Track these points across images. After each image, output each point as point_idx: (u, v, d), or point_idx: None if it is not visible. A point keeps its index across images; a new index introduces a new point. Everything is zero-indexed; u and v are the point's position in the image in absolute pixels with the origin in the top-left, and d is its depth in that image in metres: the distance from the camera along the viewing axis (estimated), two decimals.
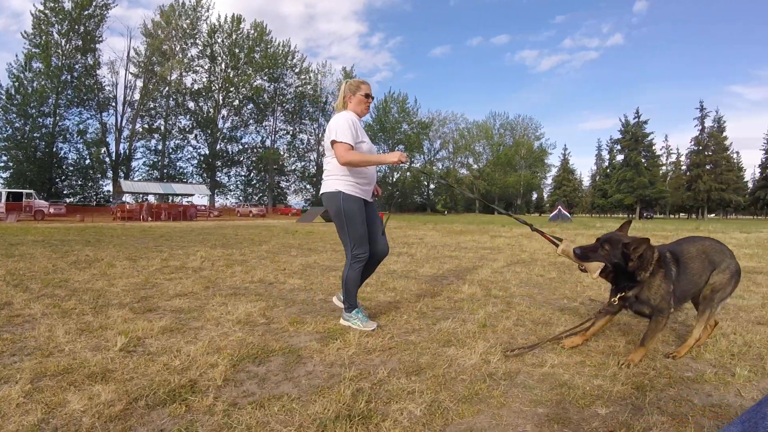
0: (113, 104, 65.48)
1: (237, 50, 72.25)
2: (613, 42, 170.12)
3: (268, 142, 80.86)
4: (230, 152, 78.05)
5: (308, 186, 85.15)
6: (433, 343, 3.68)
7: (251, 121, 78.75)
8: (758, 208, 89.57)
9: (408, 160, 3.95)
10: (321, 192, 4.15)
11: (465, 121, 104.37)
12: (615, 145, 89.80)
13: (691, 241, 3.72)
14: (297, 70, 79.85)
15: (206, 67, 72.24)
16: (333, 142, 3.88)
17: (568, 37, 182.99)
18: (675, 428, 2.41)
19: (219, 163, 76.00)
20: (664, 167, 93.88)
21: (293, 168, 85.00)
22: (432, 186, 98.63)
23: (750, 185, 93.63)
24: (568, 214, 41.27)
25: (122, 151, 66.11)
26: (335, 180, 4.01)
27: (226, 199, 79.43)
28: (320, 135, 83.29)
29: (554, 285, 6.52)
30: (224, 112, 75.29)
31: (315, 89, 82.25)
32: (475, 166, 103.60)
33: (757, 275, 7.74)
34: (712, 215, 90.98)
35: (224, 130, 76.11)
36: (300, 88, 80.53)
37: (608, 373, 3.13)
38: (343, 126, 3.87)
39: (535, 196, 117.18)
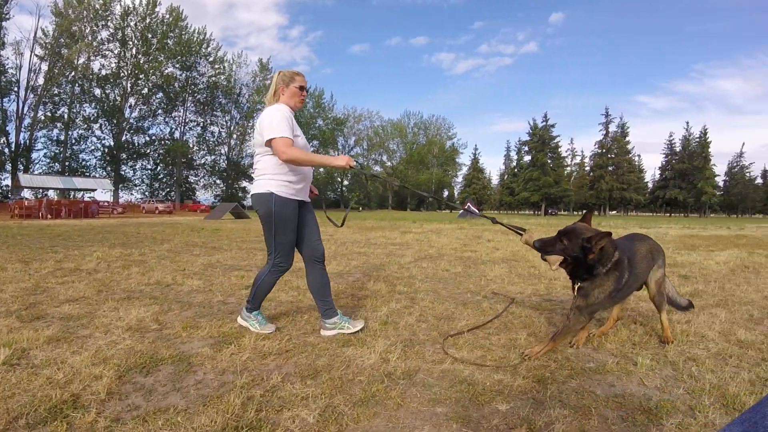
0: (15, 89, 60.42)
1: (150, 35, 68.23)
2: (527, 50, 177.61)
3: (177, 134, 77.17)
4: (136, 144, 73.89)
5: (218, 181, 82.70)
6: (332, 343, 3.60)
7: (160, 111, 74.82)
8: (657, 206, 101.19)
9: (356, 166, 3.79)
10: (251, 193, 3.82)
11: (380, 119, 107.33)
12: (523, 147, 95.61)
13: (640, 240, 3.82)
14: (211, 59, 76.75)
15: (116, 52, 67.82)
16: (271, 139, 3.52)
17: (485, 43, 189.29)
18: (578, 421, 2.44)
19: (124, 156, 71.93)
20: (568, 168, 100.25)
21: (203, 162, 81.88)
22: (346, 182, 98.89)
23: (650, 185, 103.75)
24: (477, 211, 42.26)
25: (22, 142, 61.30)
26: (267, 180, 3.67)
27: (131, 194, 75.44)
28: (232, 128, 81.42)
29: (459, 279, 6.63)
30: (132, 100, 71.19)
31: (229, 80, 79.52)
32: (389, 164, 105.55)
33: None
34: (614, 212, 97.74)
35: (131, 120, 71.94)
36: (213, 78, 77.40)
37: (509, 368, 3.16)
38: (278, 119, 3.54)
39: (446, 193, 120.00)
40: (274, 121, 3.54)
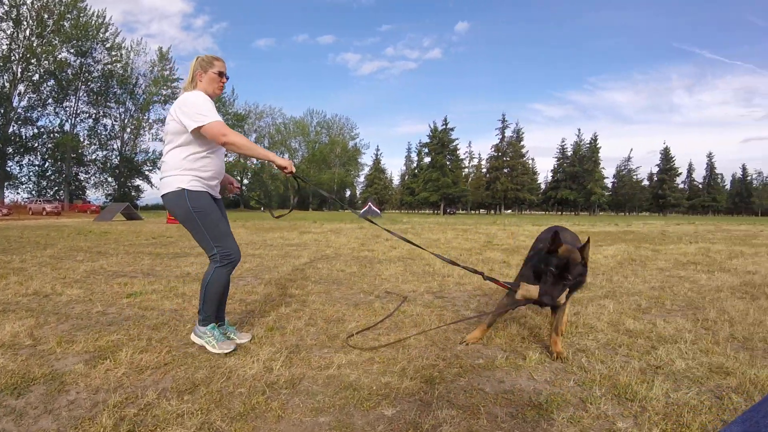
0: None
1: (46, 15, 60.89)
2: (432, 55, 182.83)
3: (67, 127, 69.77)
4: (24, 137, 66.21)
5: (110, 179, 75.73)
6: (214, 354, 3.34)
7: (50, 100, 67.21)
8: (549, 205, 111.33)
9: (294, 173, 3.53)
10: (161, 193, 3.40)
11: (282, 116, 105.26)
12: (423, 149, 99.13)
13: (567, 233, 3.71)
14: (108, 45, 69.76)
15: (9, 33, 60.08)
16: (202, 126, 3.18)
17: (391, 46, 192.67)
18: (466, 421, 2.37)
19: (11, 150, 64.43)
20: (466, 169, 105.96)
21: (94, 158, 74.40)
22: (246, 181, 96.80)
23: (543, 186, 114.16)
24: (378, 211, 42.68)
25: None
26: (177, 176, 3.31)
27: (18, 193, 67.28)
28: (126, 120, 75.40)
29: (353, 280, 6.49)
30: (21, 87, 63.70)
31: (125, 69, 72.98)
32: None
33: None
34: (509, 211, 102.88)
35: (19, 110, 64.57)
36: (109, 66, 70.54)
37: (397, 369, 3.06)
38: (203, 102, 3.23)
39: (348, 193, 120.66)
40: (201, 105, 3.22)
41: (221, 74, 3.51)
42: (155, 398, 2.58)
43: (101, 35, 68.16)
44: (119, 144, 75.79)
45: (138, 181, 78.16)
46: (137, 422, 2.32)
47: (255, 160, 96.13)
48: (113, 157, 75.81)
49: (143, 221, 27.65)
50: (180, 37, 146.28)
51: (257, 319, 4.29)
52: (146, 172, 77.41)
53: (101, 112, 73.02)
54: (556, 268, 3.07)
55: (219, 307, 3.57)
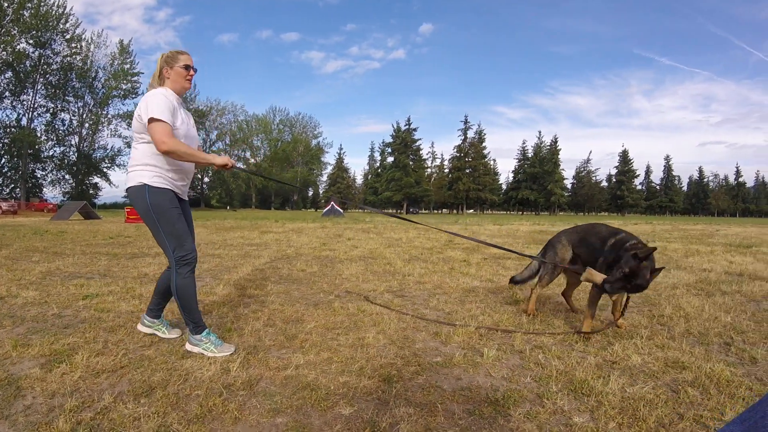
0: None
1: (6, 4, 57.55)
2: (395, 56, 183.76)
3: (24, 121, 66.33)
4: None
5: (67, 176, 72.16)
6: (171, 356, 3.27)
7: (7, 93, 63.80)
8: (511, 205, 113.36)
9: (235, 166, 3.50)
10: (126, 187, 3.37)
11: (245, 113, 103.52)
12: (387, 148, 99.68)
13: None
14: (68, 37, 66.31)
15: None
16: (151, 120, 3.11)
17: (356, 45, 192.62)
18: (423, 419, 2.37)
19: None
20: (429, 169, 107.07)
21: (51, 154, 70.97)
22: (206, 180, 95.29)
23: (504, 187, 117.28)
24: (341, 210, 42.52)
25: None
26: (140, 171, 3.26)
27: None
28: (84, 115, 72.44)
29: (314, 279, 6.44)
30: None
31: (85, 61, 69.65)
32: (253, 161, 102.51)
33: (507, 260, 8.85)
34: (471, 211, 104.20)
35: None
36: (68, 58, 67.33)
37: (355, 368, 3.05)
38: (159, 103, 3.15)
39: (311, 192, 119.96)
40: (154, 104, 3.15)
41: (188, 67, 3.44)
42: (112, 402, 2.53)
43: (61, 26, 64.93)
44: (77, 140, 72.67)
45: (96, 179, 75.01)
46: (94, 426, 2.28)
47: None
48: (71, 153, 72.66)
49: (101, 220, 26.93)
50: (142, 30, 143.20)
51: (215, 321, 4.21)
52: (104, 170, 74.29)
53: (59, 107, 69.81)
54: (630, 272, 3.40)
55: (159, 302, 3.64)
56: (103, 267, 7.41)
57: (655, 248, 3.49)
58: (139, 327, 3.75)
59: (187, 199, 3.64)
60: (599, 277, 3.56)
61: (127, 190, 3.35)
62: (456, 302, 5.10)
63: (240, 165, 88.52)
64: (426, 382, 2.84)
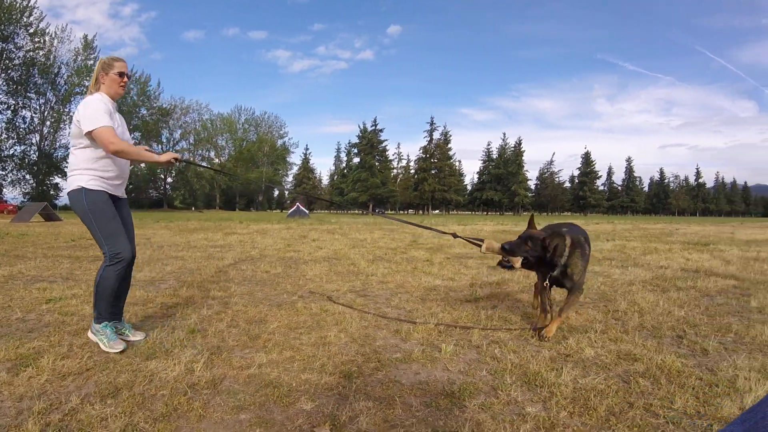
0: None
1: None
2: (363, 56, 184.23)
3: None
4: None
5: (27, 176, 69.14)
6: (136, 357, 3.28)
7: None
8: (475, 205, 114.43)
9: (181, 161, 3.64)
10: (65, 191, 3.57)
11: (209, 112, 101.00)
12: (353, 149, 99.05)
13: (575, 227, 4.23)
14: (32, 31, 63.65)
15: None
16: (93, 130, 3.27)
17: (323, 45, 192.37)
18: (382, 411, 2.46)
19: None
20: (395, 170, 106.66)
21: (11, 153, 67.79)
22: (170, 180, 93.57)
23: (469, 187, 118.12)
24: (306, 211, 42.38)
25: None
26: (78, 175, 3.43)
27: None
28: (46, 113, 69.66)
29: (277, 280, 6.46)
30: None
31: (48, 57, 67.02)
32: (217, 161, 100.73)
33: (469, 260, 9.08)
34: (436, 211, 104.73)
35: None
36: (31, 53, 64.61)
37: (317, 366, 3.11)
38: (98, 109, 3.31)
39: (276, 192, 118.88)
40: (94, 111, 3.31)
41: (122, 74, 3.61)
42: (79, 403, 2.55)
43: (25, 19, 62.37)
44: (38, 138, 69.92)
45: (57, 179, 71.97)
46: (62, 427, 2.30)
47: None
48: (31, 152, 69.86)
49: (62, 222, 26.13)
50: (107, 25, 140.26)
51: (179, 322, 4.21)
52: (65, 170, 71.58)
53: (20, 103, 66.94)
54: (522, 238, 3.88)
55: (115, 304, 3.66)
56: (65, 270, 7.30)
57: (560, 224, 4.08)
58: (90, 336, 3.73)
59: (125, 197, 3.83)
60: (497, 245, 3.94)
61: (68, 194, 3.52)
62: (417, 301, 5.21)
63: (186, 156, 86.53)
64: (385, 377, 2.92)
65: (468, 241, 4.44)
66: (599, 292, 5.70)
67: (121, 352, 3.39)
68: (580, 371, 3.01)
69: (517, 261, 3.84)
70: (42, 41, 65.50)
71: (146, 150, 3.56)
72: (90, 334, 3.60)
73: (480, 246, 4.03)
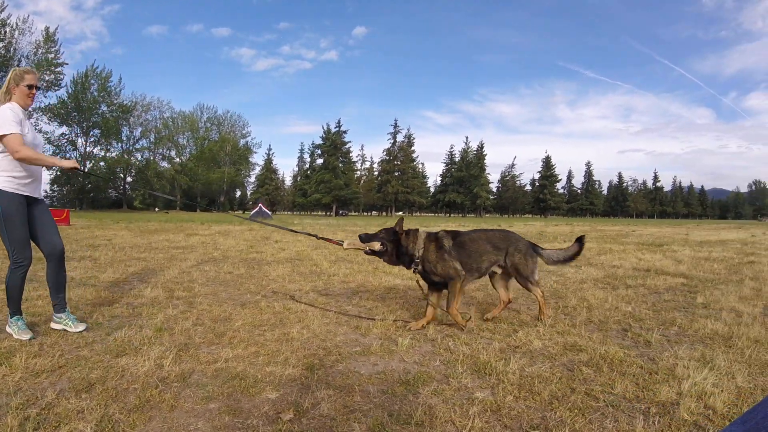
0: None
1: None
2: (327, 57, 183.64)
3: None
4: None
5: None
6: (106, 354, 3.38)
7: None
8: (438, 207, 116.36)
9: (82, 171, 3.99)
10: None
11: (171, 109, 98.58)
12: (316, 150, 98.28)
13: (482, 231, 4.57)
14: None
15: None
16: (2, 137, 3.57)
17: (288, 45, 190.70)
18: (342, 398, 2.64)
19: None
20: (358, 172, 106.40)
21: None
22: (129, 179, 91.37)
23: (432, 189, 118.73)
24: (269, 212, 42.17)
25: None
26: None
27: None
28: None
29: (241, 281, 6.56)
30: None
31: (8, 48, 64.90)
32: (178, 160, 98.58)
33: None
34: (399, 213, 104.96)
35: None
36: None
37: (281, 359, 3.27)
38: (8, 117, 3.58)
39: (238, 193, 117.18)
40: (3, 119, 3.57)
41: (30, 87, 3.86)
42: (55, 398, 2.63)
43: None
44: None
45: None
46: (41, 420, 2.38)
47: (139, 156, 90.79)
48: None
49: None
50: (68, 18, 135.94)
51: (145, 321, 4.30)
52: None
53: None
54: (380, 230, 4.41)
55: (56, 296, 4.02)
56: (29, 271, 7.23)
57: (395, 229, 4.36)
58: (52, 325, 4.04)
59: (41, 197, 4.05)
60: (356, 240, 4.45)
61: None
62: (377, 299, 5.41)
63: (146, 154, 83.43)
64: (345, 369, 3.11)
65: (329, 241, 4.95)
66: (552, 289, 5.97)
67: (30, 339, 3.68)
68: (527, 360, 3.24)
69: (376, 245, 4.28)
70: (2, 32, 63.44)
71: (50, 157, 3.88)
72: (8, 328, 3.85)
73: (341, 244, 4.50)
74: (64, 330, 3.92)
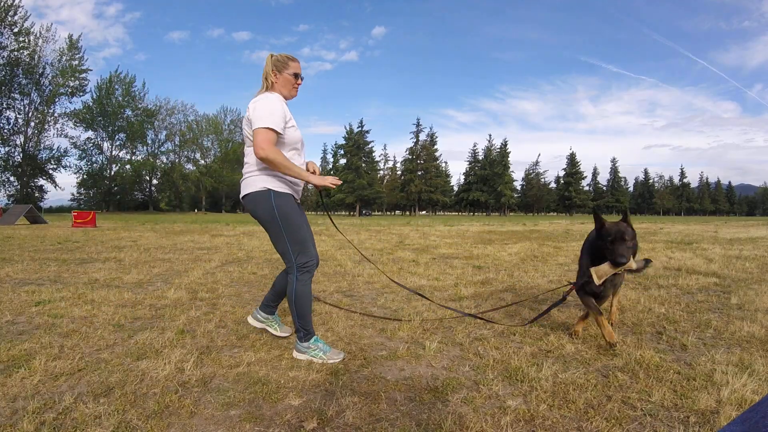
0: None
1: None
2: (348, 58, 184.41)
3: None
4: None
5: (12, 178, 67.83)
6: (127, 357, 3.32)
7: None
8: (462, 206, 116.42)
9: (339, 184, 3.33)
10: (243, 194, 3.29)
11: (195, 113, 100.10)
12: (339, 150, 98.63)
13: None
14: (16, 30, 62.64)
15: None
16: (257, 128, 3.07)
17: (308, 47, 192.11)
18: (367, 406, 2.53)
19: None
20: (381, 171, 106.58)
21: None
22: (155, 181, 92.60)
23: (455, 188, 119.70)
24: None
25: None
26: (262, 176, 3.20)
27: None
28: (30, 114, 68.73)
29: (265, 282, 6.50)
30: None
31: (32, 56, 66.15)
32: (203, 162, 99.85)
33: (454, 260, 9.14)
34: (423, 212, 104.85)
35: None
36: (16, 53, 63.69)
37: (304, 363, 3.19)
38: (271, 108, 3.12)
39: None
40: (265, 109, 3.12)
41: (296, 76, 3.53)
42: (72, 402, 2.58)
43: (9, 18, 61.55)
44: (22, 139, 68.62)
45: (41, 181, 71.18)
46: (57, 425, 2.33)
47: (164, 159, 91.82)
48: (16, 154, 68.49)
49: (48, 225, 25.87)
50: (91, 25, 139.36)
51: (168, 323, 4.25)
52: (50, 171, 70.78)
53: (5, 104, 66.04)
54: (617, 233, 3.42)
55: (276, 300, 3.71)
56: (53, 273, 7.30)
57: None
58: (250, 320, 3.76)
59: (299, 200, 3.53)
60: (603, 268, 3.52)
61: (246, 196, 3.28)
62: (403, 300, 5.29)
63: (172, 157, 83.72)
64: (371, 374, 3.00)
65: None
66: None
67: (343, 359, 3.29)
68: (561, 366, 3.10)
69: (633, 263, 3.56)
70: (27, 41, 64.69)
71: (301, 169, 3.23)
72: (297, 355, 3.35)
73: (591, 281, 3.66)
74: (265, 329, 3.76)
